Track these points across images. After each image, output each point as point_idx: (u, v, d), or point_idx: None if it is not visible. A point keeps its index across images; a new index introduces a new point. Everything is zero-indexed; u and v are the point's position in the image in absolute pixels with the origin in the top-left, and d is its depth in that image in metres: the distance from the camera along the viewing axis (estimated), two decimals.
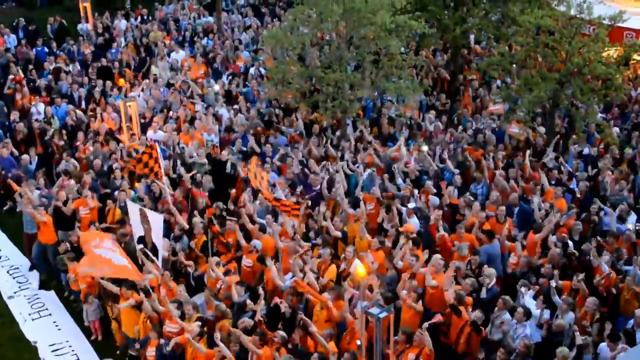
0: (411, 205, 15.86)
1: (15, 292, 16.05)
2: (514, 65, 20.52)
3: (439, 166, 17.78)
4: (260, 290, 13.10)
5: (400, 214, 15.69)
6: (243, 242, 14.66)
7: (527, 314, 12.36)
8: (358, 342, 11.51)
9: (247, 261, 14.46)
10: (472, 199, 15.97)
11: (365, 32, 18.97)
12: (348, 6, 18.48)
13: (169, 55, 25.10)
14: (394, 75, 19.51)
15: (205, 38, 26.91)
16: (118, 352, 14.13)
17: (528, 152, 17.64)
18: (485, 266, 13.65)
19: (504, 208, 15.41)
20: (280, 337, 11.87)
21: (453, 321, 12.50)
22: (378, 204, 16.12)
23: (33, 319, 15.21)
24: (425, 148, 18.20)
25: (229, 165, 18.02)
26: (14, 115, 20.99)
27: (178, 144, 19.22)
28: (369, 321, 11.17)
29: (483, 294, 13.19)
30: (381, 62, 19.49)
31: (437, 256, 13.86)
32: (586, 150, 18.53)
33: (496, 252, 14.54)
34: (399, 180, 16.94)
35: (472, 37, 25.04)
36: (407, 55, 21.11)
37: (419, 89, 20.20)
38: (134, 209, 14.20)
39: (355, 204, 16.01)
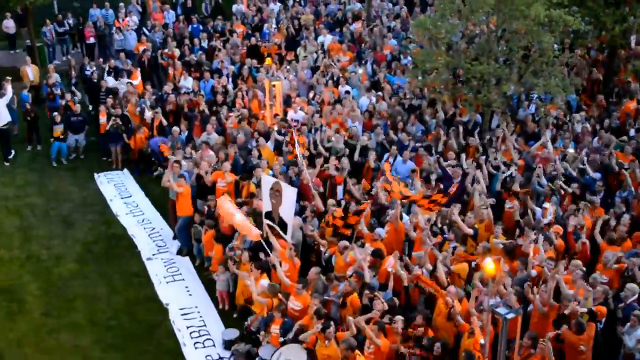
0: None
1: (153, 255, 16.78)
2: None
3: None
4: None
5: (534, 213, 15.14)
6: (365, 230, 14.48)
7: None
8: (482, 341, 11.20)
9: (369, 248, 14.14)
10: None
11: (518, 26, 18.35)
12: None
13: (316, 38, 25.42)
14: (543, 72, 18.77)
15: (354, 24, 26.98)
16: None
17: None
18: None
19: None
20: (401, 322, 11.87)
21: (568, 337, 11.80)
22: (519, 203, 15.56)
23: (167, 282, 15.83)
24: (571, 150, 17.45)
25: (356, 153, 17.79)
26: (167, 87, 22.02)
27: (321, 126, 19.38)
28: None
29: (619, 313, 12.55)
30: (531, 57, 18.79)
31: (576, 262, 13.27)
32: None
33: None
34: (543, 180, 16.20)
35: (632, 37, 23.65)
36: (560, 52, 20.24)
37: (570, 89, 19.29)
38: (267, 182, 14.35)
39: (497, 201, 15.84)
